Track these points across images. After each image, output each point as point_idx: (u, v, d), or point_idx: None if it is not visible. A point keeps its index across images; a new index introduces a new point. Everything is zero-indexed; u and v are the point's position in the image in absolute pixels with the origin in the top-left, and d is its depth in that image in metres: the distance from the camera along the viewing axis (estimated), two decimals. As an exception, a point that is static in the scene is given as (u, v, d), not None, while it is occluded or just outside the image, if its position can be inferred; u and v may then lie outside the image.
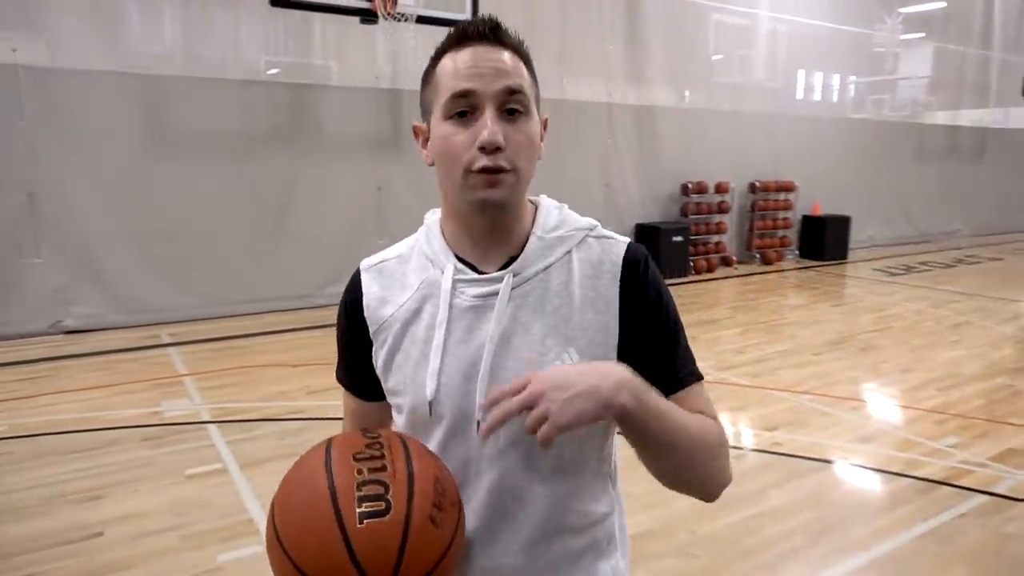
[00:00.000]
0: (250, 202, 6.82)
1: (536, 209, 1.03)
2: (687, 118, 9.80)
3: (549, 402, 0.80)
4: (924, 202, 13.04)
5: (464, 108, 0.91)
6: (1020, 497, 3.34)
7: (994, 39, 13.33)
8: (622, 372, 0.86)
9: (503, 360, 0.94)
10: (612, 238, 1.03)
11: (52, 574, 2.70)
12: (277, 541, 0.84)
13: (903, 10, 11.92)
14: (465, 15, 6.30)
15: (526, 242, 0.99)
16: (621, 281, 0.98)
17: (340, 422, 1.19)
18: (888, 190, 12.40)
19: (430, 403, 0.96)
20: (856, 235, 11.47)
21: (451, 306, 0.97)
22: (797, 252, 11.06)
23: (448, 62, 0.93)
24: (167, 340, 6.05)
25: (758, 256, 10.53)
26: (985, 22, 13.12)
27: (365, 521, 0.80)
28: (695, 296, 8.30)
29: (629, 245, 1.02)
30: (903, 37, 12.14)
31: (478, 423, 0.95)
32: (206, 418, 4.30)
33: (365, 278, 1.05)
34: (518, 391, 0.82)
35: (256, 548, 2.86)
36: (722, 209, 10.09)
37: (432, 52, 0.98)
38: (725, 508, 3.19)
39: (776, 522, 3.12)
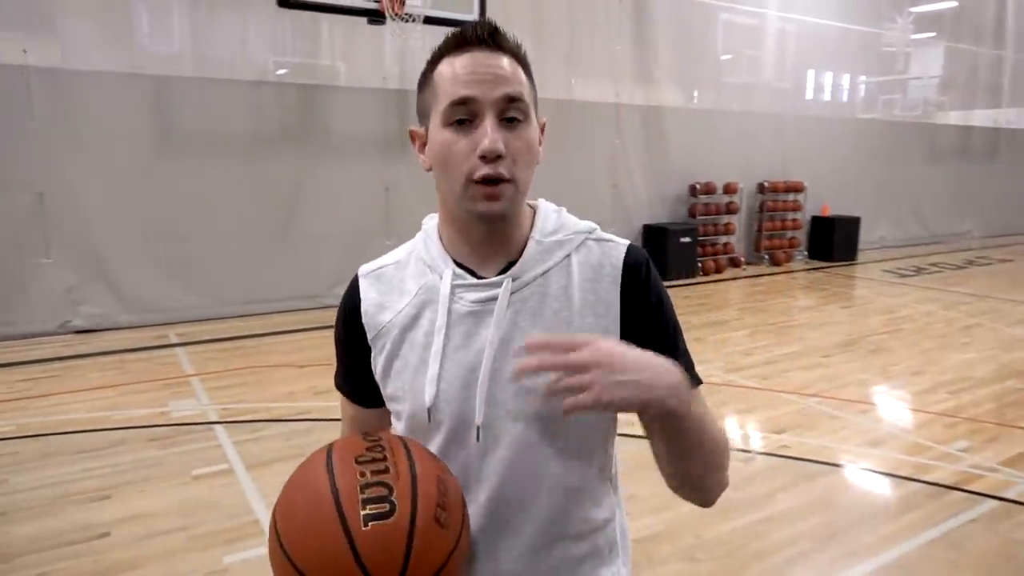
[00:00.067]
0: (258, 203, 6.84)
1: (534, 213, 1.03)
2: (695, 118, 9.76)
3: (599, 375, 0.79)
4: (935, 203, 12.95)
5: (464, 116, 0.90)
6: (1032, 502, 3.30)
7: (1007, 39, 13.22)
8: (676, 375, 0.86)
9: (502, 365, 0.93)
10: (612, 241, 1.02)
11: (58, 574, 2.71)
12: (280, 548, 0.83)
13: (914, 9, 11.85)
14: (472, 15, 6.30)
15: (524, 246, 0.98)
16: (622, 284, 0.97)
17: (347, 423, 1.18)
18: (898, 191, 12.32)
19: (429, 409, 0.95)
20: (866, 236, 11.40)
21: (450, 311, 0.96)
22: (806, 253, 11.00)
23: (446, 67, 0.92)
24: (175, 340, 6.07)
25: (767, 257, 10.48)
26: (998, 22, 13.01)
27: (370, 523, 0.79)
28: (703, 297, 8.27)
29: (629, 248, 1.01)
30: (914, 37, 12.06)
31: (478, 429, 0.94)
32: (213, 418, 4.31)
33: (363, 284, 1.04)
34: (571, 348, 0.80)
35: (262, 550, 2.86)
36: (730, 210, 10.05)
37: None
38: (732, 512, 3.17)
39: (784, 526, 3.09)
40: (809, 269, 10.30)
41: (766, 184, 10.41)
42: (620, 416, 1.03)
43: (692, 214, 9.77)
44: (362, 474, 0.83)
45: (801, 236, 10.89)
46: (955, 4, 12.40)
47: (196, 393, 4.76)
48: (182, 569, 2.75)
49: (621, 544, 1.06)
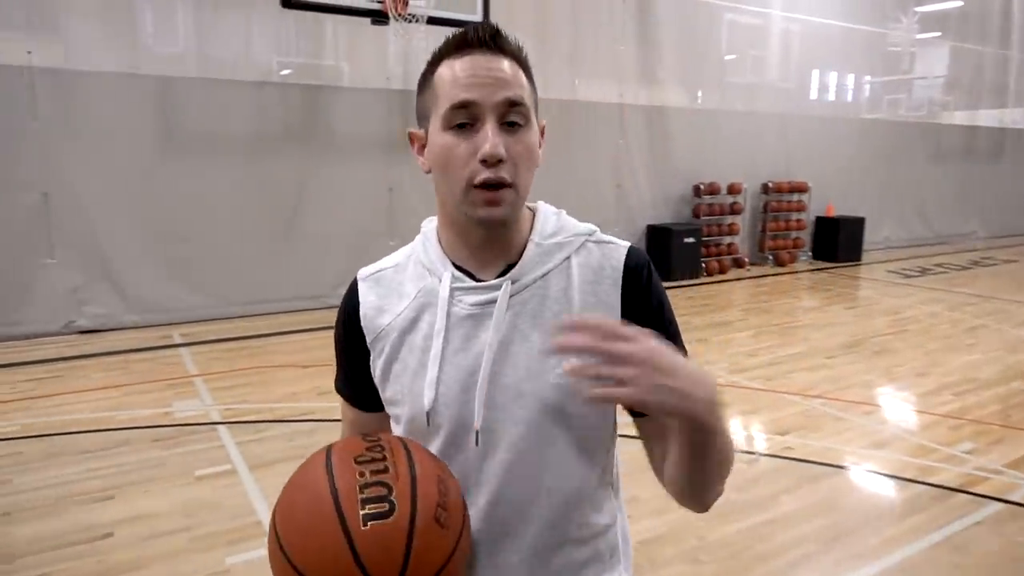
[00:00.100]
0: (262, 203, 6.85)
1: (534, 215, 1.02)
2: (699, 119, 9.75)
3: (643, 373, 0.75)
4: (940, 203, 12.91)
5: (464, 119, 0.90)
6: (1037, 505, 3.29)
7: (1013, 39, 13.16)
8: (715, 389, 0.82)
9: (502, 368, 0.93)
10: (612, 243, 1.01)
11: (61, 575, 2.71)
12: (280, 550, 0.82)
13: (919, 9, 11.81)
14: (476, 16, 6.30)
15: (524, 249, 0.98)
16: (623, 287, 0.97)
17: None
18: (903, 191, 12.28)
19: (427, 413, 0.95)
20: (870, 236, 11.36)
21: (449, 315, 0.96)
22: (810, 254, 10.97)
23: (446, 70, 0.92)
24: (179, 340, 6.08)
25: (771, 258, 10.45)
26: (1004, 21, 12.96)
27: (369, 523, 0.78)
28: (707, 298, 8.25)
29: (630, 250, 1.00)
30: (919, 36, 12.02)
31: (476, 433, 0.94)
32: (216, 419, 4.31)
33: (362, 287, 1.04)
34: (620, 337, 0.76)
35: (264, 551, 2.83)
36: (734, 210, 10.03)
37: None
38: (735, 514, 3.16)
39: (787, 528, 3.08)
40: (813, 270, 10.27)
41: (770, 184, 10.39)
42: (620, 419, 1.03)
43: (696, 214, 9.75)
44: (361, 474, 0.82)
45: (805, 237, 10.87)
46: (960, 4, 12.35)
47: (200, 393, 4.77)
48: (184, 570, 2.75)
49: (623, 549, 1.06)
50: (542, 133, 0.97)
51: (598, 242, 1.01)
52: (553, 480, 0.95)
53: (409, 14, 5.99)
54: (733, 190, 9.95)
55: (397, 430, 1.03)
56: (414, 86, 0.99)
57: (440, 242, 1.01)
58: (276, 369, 5.29)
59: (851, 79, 11.85)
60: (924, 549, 2.93)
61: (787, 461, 3.76)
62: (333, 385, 1.10)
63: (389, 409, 1.03)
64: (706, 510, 0.97)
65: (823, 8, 10.72)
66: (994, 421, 4.33)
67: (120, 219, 6.25)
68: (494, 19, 6.28)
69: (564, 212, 1.05)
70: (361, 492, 0.80)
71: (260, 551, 2.86)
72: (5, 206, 5.81)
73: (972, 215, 13.50)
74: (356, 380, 1.05)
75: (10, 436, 4.02)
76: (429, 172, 0.97)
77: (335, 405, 1.10)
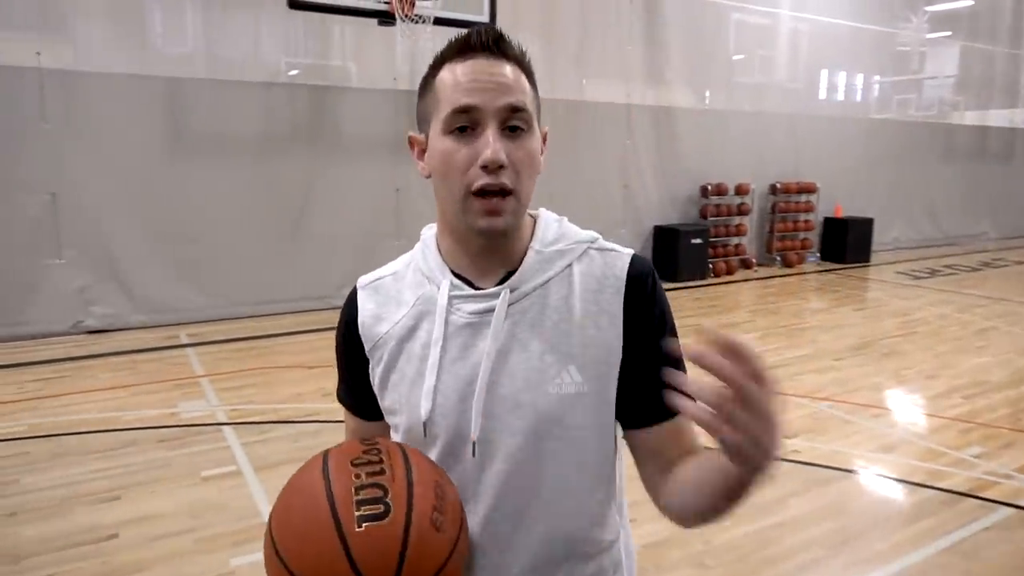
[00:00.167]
0: (269, 203, 6.87)
1: (535, 222, 1.00)
2: (707, 119, 9.71)
3: (760, 427, 0.69)
4: (950, 204, 12.81)
5: (465, 124, 0.88)
6: (1048, 510, 3.25)
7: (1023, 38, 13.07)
8: (778, 450, 0.74)
9: (499, 378, 0.91)
10: (615, 250, 0.99)
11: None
12: (276, 555, 0.82)
13: (929, 8, 11.73)
14: (483, 16, 6.29)
15: (524, 257, 0.96)
16: (626, 295, 0.95)
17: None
18: (912, 192, 12.20)
19: (425, 423, 0.93)
20: (879, 237, 11.29)
21: (447, 323, 0.94)
22: (818, 255, 10.91)
23: (448, 74, 0.90)
24: (186, 341, 6.10)
25: (778, 259, 10.40)
26: (1015, 20, 12.84)
27: (364, 525, 0.78)
28: (714, 299, 8.22)
29: (633, 258, 0.98)
30: (929, 36, 11.94)
31: (473, 444, 0.92)
32: (222, 419, 4.32)
33: (361, 296, 1.03)
34: (756, 379, 0.68)
35: (268, 552, 2.85)
36: (742, 211, 9.98)
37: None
38: (742, 517, 3.14)
39: (795, 532, 3.06)
40: (821, 271, 10.21)
41: (778, 185, 10.34)
42: (620, 430, 1.01)
43: (703, 215, 9.71)
44: (357, 476, 0.82)
45: (813, 237, 10.81)
46: (971, 3, 12.25)
47: (206, 394, 4.78)
48: (189, 571, 2.75)
49: (627, 564, 1.04)
50: (544, 140, 0.96)
51: (600, 250, 0.99)
52: (552, 492, 0.93)
53: (416, 15, 5.99)
54: (741, 191, 9.90)
55: (396, 439, 1.02)
56: (421, 87, 0.97)
57: (439, 249, 1.00)
58: (282, 370, 5.30)
59: (860, 79, 11.77)
60: (933, 554, 2.90)
61: (795, 464, 3.73)
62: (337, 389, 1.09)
63: (388, 418, 1.02)
64: (688, 529, 0.96)
65: (832, 8, 10.65)
66: (1004, 425, 4.29)
67: (128, 219, 6.27)
68: (501, 20, 6.27)
69: (566, 219, 1.03)
70: (356, 494, 0.80)
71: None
72: (14, 206, 5.84)
73: (983, 216, 13.39)
74: (357, 389, 1.04)
75: (17, 436, 4.03)
76: (428, 177, 0.95)
77: (339, 407, 1.10)
